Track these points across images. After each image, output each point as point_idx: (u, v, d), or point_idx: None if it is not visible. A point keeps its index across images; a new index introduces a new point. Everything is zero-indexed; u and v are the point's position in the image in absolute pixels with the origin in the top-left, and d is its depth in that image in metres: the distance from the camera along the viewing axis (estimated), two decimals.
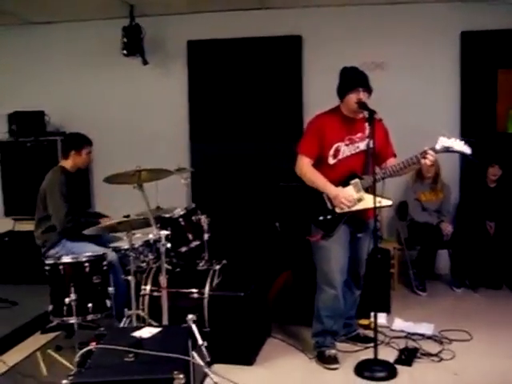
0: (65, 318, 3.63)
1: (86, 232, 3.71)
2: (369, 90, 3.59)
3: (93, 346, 2.62)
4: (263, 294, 4.25)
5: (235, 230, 5.78)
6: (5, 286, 5.37)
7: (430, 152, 3.44)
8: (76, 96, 6.34)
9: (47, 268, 3.70)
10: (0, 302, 4.75)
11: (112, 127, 6.30)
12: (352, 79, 3.61)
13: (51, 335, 4.21)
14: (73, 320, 3.56)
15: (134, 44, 5.81)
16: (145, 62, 5.95)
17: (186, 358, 2.55)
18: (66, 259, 3.72)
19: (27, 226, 5.07)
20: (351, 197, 3.55)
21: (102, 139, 6.11)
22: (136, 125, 6.30)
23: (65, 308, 3.58)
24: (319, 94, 4.98)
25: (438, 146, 3.43)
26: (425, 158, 3.46)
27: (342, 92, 3.62)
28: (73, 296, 3.53)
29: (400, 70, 5.81)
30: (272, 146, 5.99)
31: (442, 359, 3.70)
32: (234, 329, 3.71)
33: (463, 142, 3.48)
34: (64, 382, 2.31)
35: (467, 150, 3.48)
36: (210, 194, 6.03)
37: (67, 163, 4.40)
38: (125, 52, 5.83)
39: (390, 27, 5.84)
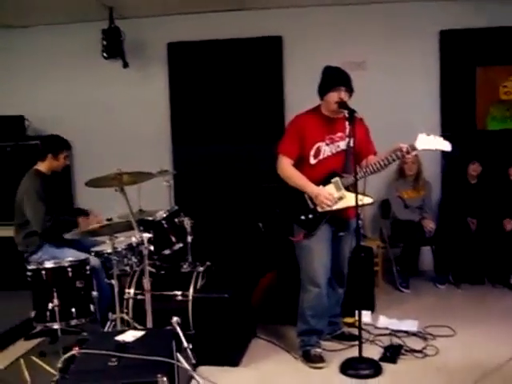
0: (48, 324, 3.61)
1: (67, 236, 3.67)
2: (350, 90, 3.59)
3: (75, 351, 2.60)
4: (248, 294, 4.25)
5: (218, 231, 5.77)
6: None
7: (410, 149, 3.45)
8: (56, 100, 6.28)
9: (29, 273, 3.67)
10: None
11: (93, 130, 6.26)
12: (333, 78, 3.59)
13: (35, 341, 4.16)
14: (56, 325, 3.54)
15: (113, 47, 5.77)
16: (125, 65, 5.92)
17: (170, 360, 2.54)
18: (49, 264, 3.69)
19: (7, 232, 4.99)
20: (332, 195, 3.55)
21: (83, 142, 6.12)
22: (118, 128, 6.25)
23: (48, 313, 3.57)
24: (300, 95, 4.98)
25: (417, 143, 3.44)
26: (404, 156, 3.48)
27: (323, 91, 3.60)
28: (56, 301, 3.52)
29: (380, 69, 5.84)
30: (254, 148, 5.99)
31: (426, 355, 3.72)
32: (219, 330, 3.70)
33: (442, 138, 3.50)
34: None
35: (447, 146, 3.50)
36: (193, 196, 6.02)
37: (43, 166, 4.33)
38: (105, 55, 5.79)
39: (369, 27, 5.88)
